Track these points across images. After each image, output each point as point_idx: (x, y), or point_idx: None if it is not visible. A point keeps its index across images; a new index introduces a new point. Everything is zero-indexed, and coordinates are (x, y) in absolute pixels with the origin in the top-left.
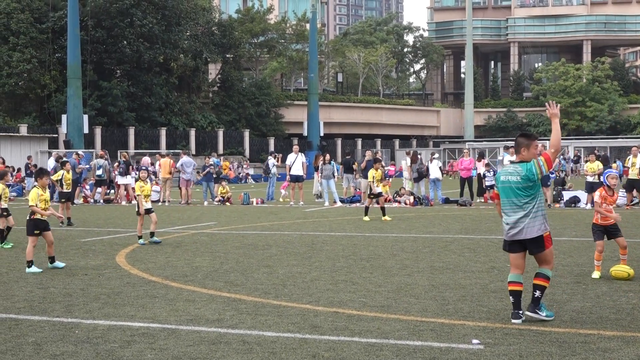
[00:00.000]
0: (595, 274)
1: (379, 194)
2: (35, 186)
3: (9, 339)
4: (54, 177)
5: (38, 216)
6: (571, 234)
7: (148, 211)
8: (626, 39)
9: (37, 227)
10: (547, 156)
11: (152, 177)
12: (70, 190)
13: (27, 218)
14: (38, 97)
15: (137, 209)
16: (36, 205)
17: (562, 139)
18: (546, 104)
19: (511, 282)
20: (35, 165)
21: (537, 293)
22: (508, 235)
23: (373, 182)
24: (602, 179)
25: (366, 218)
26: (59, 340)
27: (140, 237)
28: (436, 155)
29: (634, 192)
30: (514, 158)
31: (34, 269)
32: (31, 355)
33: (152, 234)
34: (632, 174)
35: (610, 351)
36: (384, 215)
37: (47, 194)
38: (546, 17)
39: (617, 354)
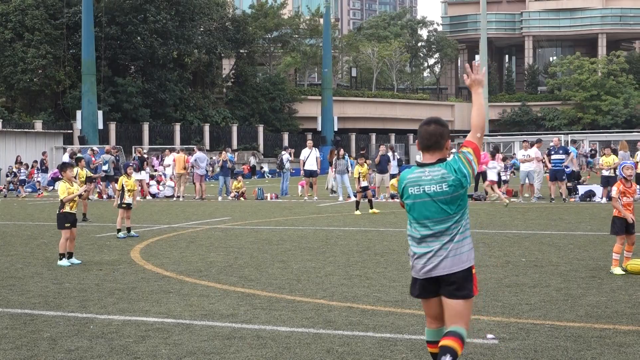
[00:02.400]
0: (617, 270)
1: (365, 188)
2: (61, 180)
3: (24, 334)
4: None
5: (67, 209)
6: (586, 228)
7: (128, 206)
8: None
9: (67, 219)
10: (474, 146)
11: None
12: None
13: (57, 212)
14: (53, 93)
15: (119, 202)
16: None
17: (578, 133)
18: (466, 66)
19: (430, 343)
20: (42, 162)
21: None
22: (421, 272)
23: (359, 177)
24: (617, 171)
25: (357, 212)
26: (74, 336)
27: (119, 231)
28: (453, 150)
29: None
30: (530, 152)
31: (64, 261)
32: (46, 350)
33: (128, 229)
34: None
35: (626, 346)
36: (371, 207)
37: (75, 187)
38: (561, 11)
39: (633, 348)
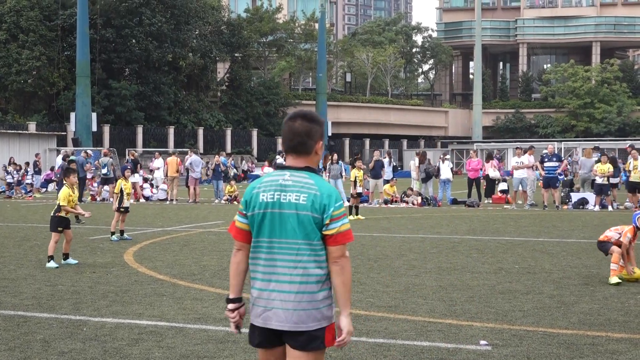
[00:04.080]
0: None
1: (359, 194)
2: (65, 185)
3: (17, 336)
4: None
5: (63, 214)
6: (579, 235)
7: (126, 210)
8: (635, 41)
9: (60, 223)
10: (345, 263)
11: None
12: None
13: (52, 214)
14: (47, 94)
15: (117, 205)
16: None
17: (571, 141)
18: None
19: None
20: (36, 163)
21: None
22: (261, 316)
23: (355, 181)
24: (633, 219)
25: (351, 217)
26: (67, 338)
27: (113, 234)
28: (447, 156)
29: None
30: (523, 159)
31: (52, 263)
32: (39, 352)
33: (122, 232)
34: (635, 177)
35: (619, 353)
36: (356, 214)
37: (76, 194)
38: (555, 19)
39: (625, 356)
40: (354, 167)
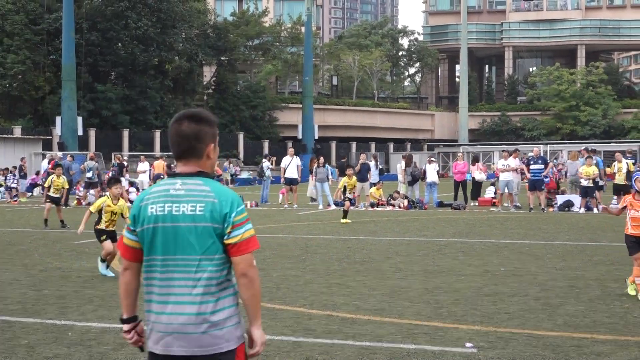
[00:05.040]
0: (631, 289)
1: (349, 199)
2: (106, 195)
3: (2, 341)
4: (46, 184)
5: (102, 226)
6: (565, 237)
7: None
8: (620, 44)
9: (101, 234)
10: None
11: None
12: (59, 195)
13: (94, 227)
14: (32, 98)
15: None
16: (98, 216)
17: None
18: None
19: None
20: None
21: None
22: (161, 343)
23: (344, 189)
24: (632, 181)
25: (344, 220)
26: (52, 343)
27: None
28: (434, 159)
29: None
30: (509, 162)
31: (104, 270)
32: (24, 357)
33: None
34: (619, 179)
35: (604, 355)
36: (344, 217)
37: (119, 206)
38: (541, 22)
39: (610, 358)
40: (344, 174)
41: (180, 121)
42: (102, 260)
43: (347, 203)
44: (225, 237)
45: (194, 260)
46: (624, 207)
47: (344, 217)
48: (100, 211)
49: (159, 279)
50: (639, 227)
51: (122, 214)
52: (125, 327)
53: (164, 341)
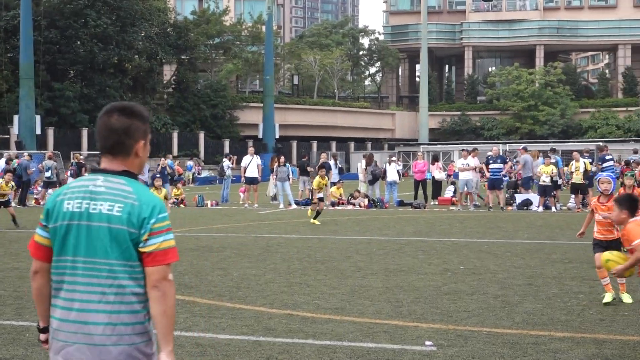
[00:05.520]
0: (607, 297)
1: (321, 199)
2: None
3: None
4: None
5: None
6: (523, 236)
7: None
8: (578, 44)
9: None
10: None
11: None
12: (6, 199)
13: None
14: None
15: None
16: None
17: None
18: None
19: None
20: None
21: None
22: (62, 353)
23: (316, 189)
24: (597, 184)
25: (314, 220)
26: (9, 344)
27: None
28: (394, 158)
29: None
30: (469, 161)
31: None
32: None
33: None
34: (577, 178)
35: (561, 352)
36: (315, 217)
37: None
38: (500, 22)
39: (568, 354)
40: (305, 174)
41: (110, 113)
42: None
43: (322, 203)
44: (141, 244)
45: (107, 264)
46: (592, 211)
47: (316, 217)
48: None
49: (67, 283)
50: (604, 230)
51: None
52: (42, 337)
53: (65, 351)
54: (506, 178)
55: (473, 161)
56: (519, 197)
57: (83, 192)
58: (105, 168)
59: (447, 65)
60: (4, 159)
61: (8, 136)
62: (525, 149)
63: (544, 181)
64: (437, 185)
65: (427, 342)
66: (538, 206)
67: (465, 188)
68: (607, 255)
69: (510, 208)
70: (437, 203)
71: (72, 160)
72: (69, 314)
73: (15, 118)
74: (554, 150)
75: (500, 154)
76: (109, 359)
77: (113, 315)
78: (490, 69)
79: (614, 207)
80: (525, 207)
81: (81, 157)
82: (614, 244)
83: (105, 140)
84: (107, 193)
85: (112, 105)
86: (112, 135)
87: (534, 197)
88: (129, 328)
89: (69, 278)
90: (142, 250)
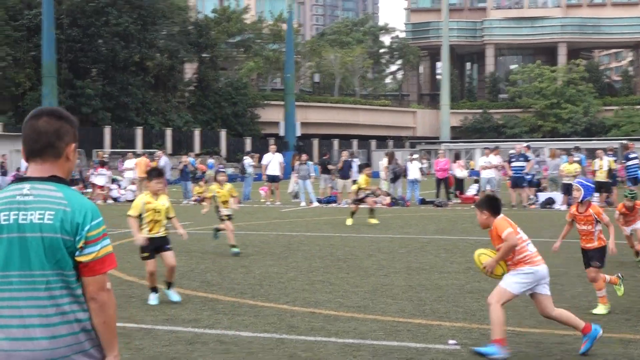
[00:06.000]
0: (600, 309)
1: (366, 196)
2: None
3: None
4: None
5: (145, 232)
6: (547, 235)
7: (228, 217)
8: (601, 42)
9: (144, 249)
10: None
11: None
12: None
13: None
14: (13, 95)
15: (218, 216)
16: (138, 218)
17: (538, 141)
18: None
19: None
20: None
21: None
22: None
23: (361, 189)
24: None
25: (373, 220)
26: None
27: (233, 246)
28: (415, 156)
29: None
30: (491, 159)
31: (152, 296)
32: None
33: (233, 246)
34: (600, 177)
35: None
36: (371, 217)
37: (163, 203)
38: (522, 19)
39: (593, 354)
40: (326, 172)
41: (38, 117)
42: (153, 289)
43: (370, 200)
44: (77, 253)
45: (44, 276)
46: (571, 222)
47: (371, 216)
48: (139, 215)
49: (2, 300)
50: (585, 239)
51: (166, 214)
52: None
53: None
54: (529, 177)
55: (495, 159)
56: (542, 196)
57: (10, 203)
58: (32, 175)
59: (468, 63)
60: None
61: None
62: (528, 147)
63: (567, 180)
64: (459, 184)
65: (450, 341)
66: (561, 204)
67: (488, 186)
68: (481, 250)
69: (533, 206)
70: (459, 201)
71: (94, 158)
72: (8, 331)
73: None
74: (577, 149)
75: (523, 152)
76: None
77: (54, 327)
78: (512, 67)
79: (476, 212)
80: (548, 206)
81: (105, 155)
82: (602, 250)
83: (34, 143)
84: (35, 201)
85: (39, 109)
86: (42, 137)
87: (557, 196)
88: (72, 337)
89: (3, 294)
90: (78, 259)
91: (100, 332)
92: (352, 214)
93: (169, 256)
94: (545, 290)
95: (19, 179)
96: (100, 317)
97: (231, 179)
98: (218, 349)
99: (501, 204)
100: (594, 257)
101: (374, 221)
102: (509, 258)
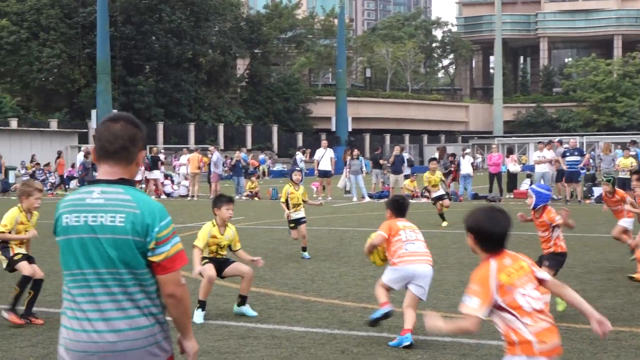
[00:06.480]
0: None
1: (440, 197)
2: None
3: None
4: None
5: (205, 253)
6: (602, 230)
7: (297, 222)
8: None
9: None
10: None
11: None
12: None
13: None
14: (68, 92)
15: (286, 220)
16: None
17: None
18: None
19: None
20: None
21: None
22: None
23: (428, 186)
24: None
25: (444, 223)
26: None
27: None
28: (468, 151)
29: None
30: (545, 154)
31: (198, 314)
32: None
33: (303, 249)
34: None
35: None
36: (443, 220)
37: (228, 238)
38: (576, 12)
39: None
40: (378, 166)
41: (115, 120)
42: (201, 304)
43: (445, 200)
44: (149, 253)
45: (118, 274)
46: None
47: (442, 219)
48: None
49: (79, 295)
50: (543, 245)
51: (230, 246)
52: None
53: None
54: (584, 171)
55: (549, 154)
56: (597, 191)
57: (80, 206)
58: (102, 178)
59: (521, 56)
60: (82, 153)
61: (87, 130)
62: (560, 142)
63: (623, 174)
64: (512, 178)
65: None
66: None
67: (542, 181)
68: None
69: (588, 201)
70: (512, 196)
71: (147, 154)
72: (88, 324)
73: (93, 113)
74: (634, 143)
75: (578, 146)
76: (141, 351)
77: (133, 319)
78: (566, 60)
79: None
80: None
81: (157, 150)
82: (558, 257)
83: (110, 145)
84: (106, 205)
85: (116, 113)
86: (118, 140)
87: None
88: (149, 330)
89: (79, 290)
90: (151, 259)
91: (179, 322)
92: (441, 216)
93: (238, 266)
94: (416, 290)
95: (91, 182)
96: (179, 310)
97: (283, 174)
98: (270, 343)
99: (407, 207)
100: (549, 259)
101: (444, 224)
102: (390, 254)
